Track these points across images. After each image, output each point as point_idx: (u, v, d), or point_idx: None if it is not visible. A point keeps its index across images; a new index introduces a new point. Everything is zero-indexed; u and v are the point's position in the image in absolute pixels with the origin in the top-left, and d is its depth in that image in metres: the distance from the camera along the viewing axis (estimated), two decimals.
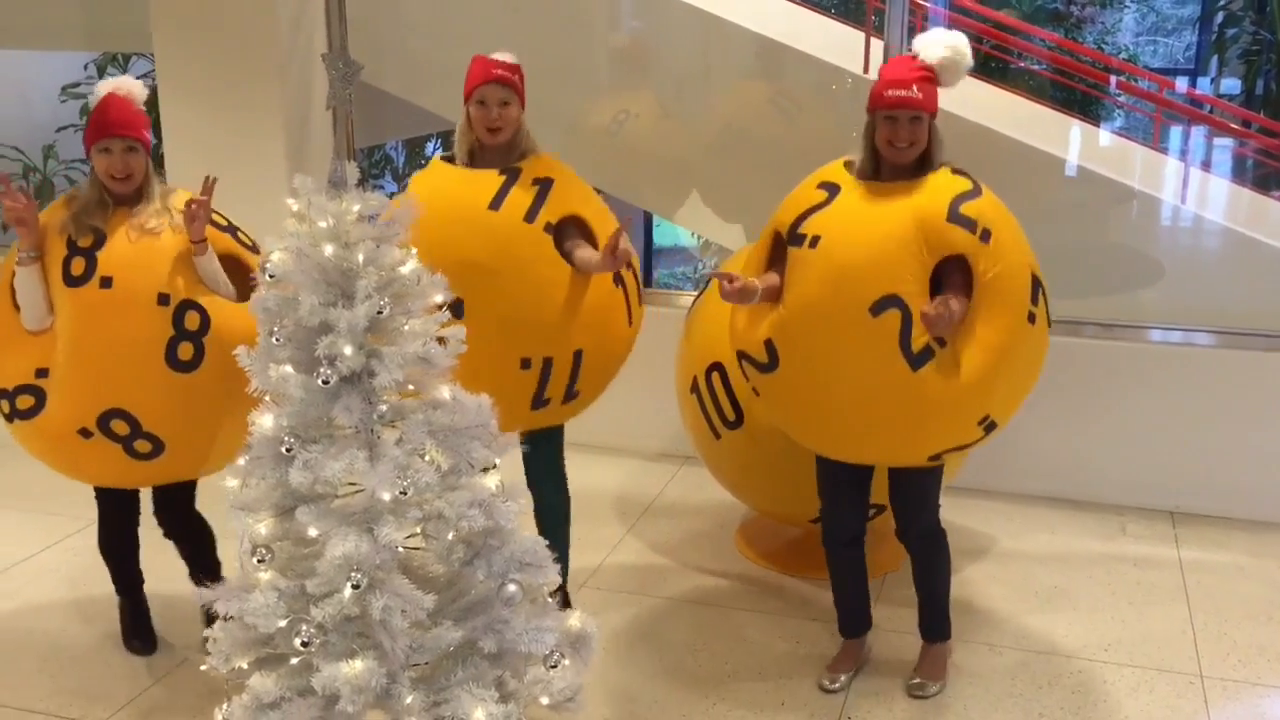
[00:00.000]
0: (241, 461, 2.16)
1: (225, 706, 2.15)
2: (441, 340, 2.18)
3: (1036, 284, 2.92)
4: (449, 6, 5.26)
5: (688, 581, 3.77)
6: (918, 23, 5.06)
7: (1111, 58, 8.41)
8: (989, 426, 2.92)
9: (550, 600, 2.30)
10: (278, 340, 2.13)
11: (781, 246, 2.96)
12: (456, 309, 2.82)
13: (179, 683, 3.18)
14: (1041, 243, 3.05)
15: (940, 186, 2.83)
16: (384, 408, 2.13)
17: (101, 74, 7.27)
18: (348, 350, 2.06)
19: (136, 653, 3.30)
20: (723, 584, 3.75)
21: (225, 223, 3.08)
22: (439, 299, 2.21)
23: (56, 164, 7.27)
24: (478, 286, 2.87)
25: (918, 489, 3.06)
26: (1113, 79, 7.54)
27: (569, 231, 3.03)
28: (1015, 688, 3.17)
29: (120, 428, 2.86)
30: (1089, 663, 3.30)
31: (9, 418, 2.95)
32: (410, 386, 2.17)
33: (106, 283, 2.84)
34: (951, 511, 4.17)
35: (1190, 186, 5.56)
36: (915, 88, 2.82)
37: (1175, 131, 6.48)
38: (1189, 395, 4.19)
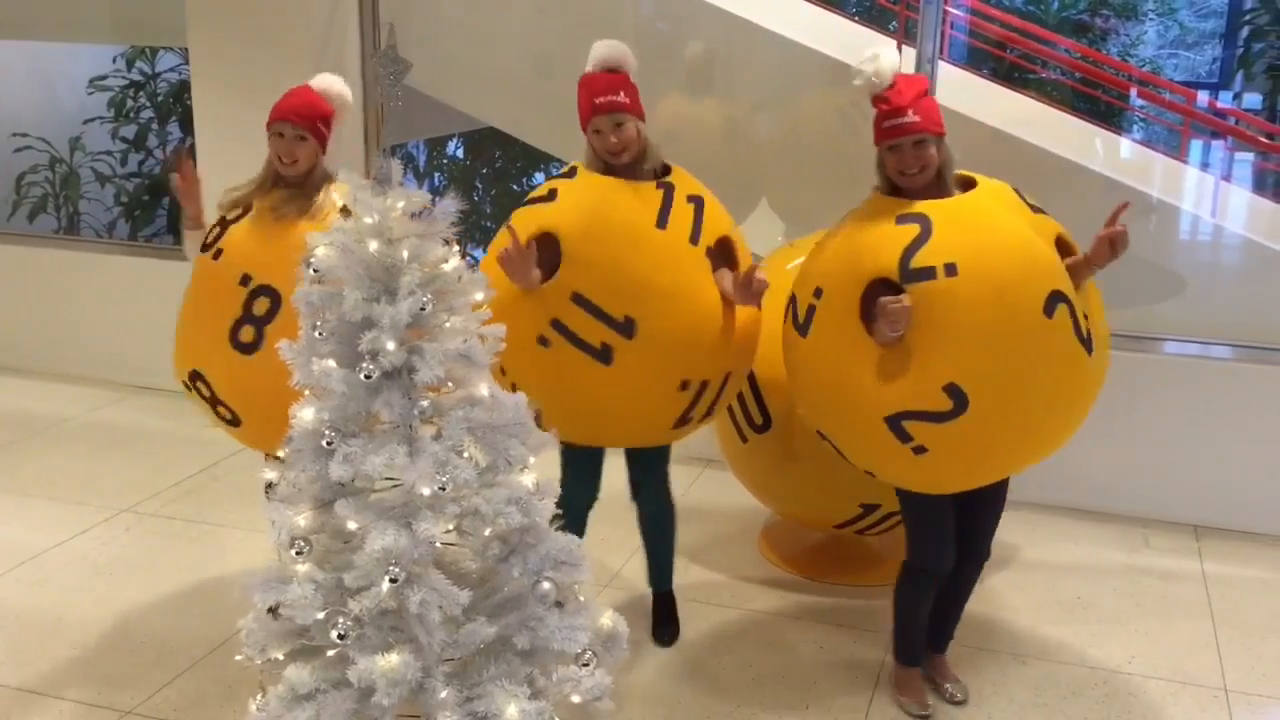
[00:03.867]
0: (281, 454, 2.18)
1: (260, 697, 2.16)
2: (482, 338, 2.19)
3: None
4: (480, 6, 5.27)
5: (711, 584, 3.78)
6: (945, 30, 5.05)
7: (1136, 69, 8.42)
8: None
9: (580, 600, 2.30)
10: (320, 334, 2.15)
11: (874, 297, 2.71)
12: (628, 328, 2.86)
13: (208, 672, 3.19)
14: None
15: (1006, 194, 2.89)
16: (424, 404, 2.14)
17: (130, 67, 7.30)
18: (390, 345, 2.08)
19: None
20: (746, 588, 3.75)
21: None
22: (479, 296, 2.23)
23: (83, 156, 7.29)
24: (652, 307, 2.87)
25: (1001, 504, 3.06)
26: (1134, 90, 7.55)
27: (716, 256, 3.03)
28: (1040, 698, 3.17)
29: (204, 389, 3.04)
30: (1113, 674, 3.29)
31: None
32: (450, 384, 2.18)
33: (218, 255, 2.98)
34: None
35: (1213, 198, 5.53)
36: (911, 112, 2.70)
37: (1197, 144, 6.46)
38: (1209, 408, 4.18)
